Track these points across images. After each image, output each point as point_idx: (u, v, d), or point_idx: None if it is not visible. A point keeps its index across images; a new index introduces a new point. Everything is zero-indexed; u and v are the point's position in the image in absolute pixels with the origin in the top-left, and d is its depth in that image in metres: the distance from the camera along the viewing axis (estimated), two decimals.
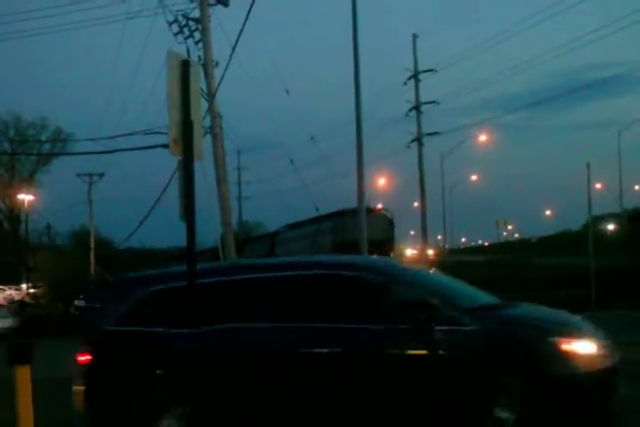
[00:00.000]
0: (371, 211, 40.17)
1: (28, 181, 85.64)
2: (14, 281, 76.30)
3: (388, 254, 37.07)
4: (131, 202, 73.12)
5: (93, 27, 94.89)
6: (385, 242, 39.21)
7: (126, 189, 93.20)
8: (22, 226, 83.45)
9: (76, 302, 48.43)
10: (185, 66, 9.04)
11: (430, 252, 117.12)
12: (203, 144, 10.38)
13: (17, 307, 50.85)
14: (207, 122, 34.67)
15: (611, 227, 77.64)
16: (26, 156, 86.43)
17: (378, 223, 40.12)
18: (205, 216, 37.68)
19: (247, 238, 40.29)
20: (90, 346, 10.71)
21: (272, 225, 76.55)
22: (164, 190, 36.43)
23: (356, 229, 37.00)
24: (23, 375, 6.39)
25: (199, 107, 9.56)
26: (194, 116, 9.14)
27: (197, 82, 9.49)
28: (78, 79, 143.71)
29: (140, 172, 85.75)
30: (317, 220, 46.24)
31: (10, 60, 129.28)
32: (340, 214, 43.54)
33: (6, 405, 6.65)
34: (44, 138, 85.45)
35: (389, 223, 41.56)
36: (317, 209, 43.77)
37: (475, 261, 77.23)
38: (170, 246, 71.81)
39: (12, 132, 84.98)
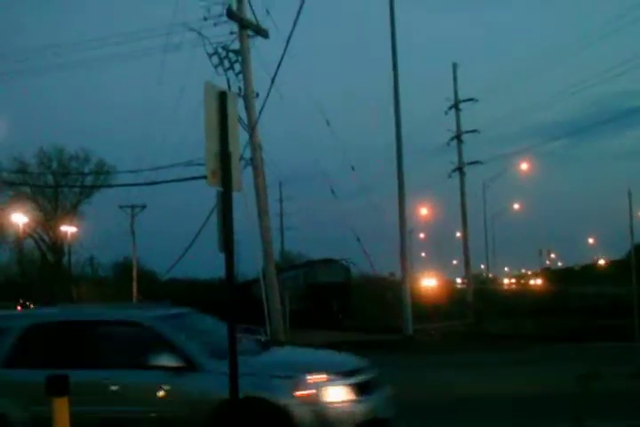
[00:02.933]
0: (332, 261, 57.43)
1: (71, 212, 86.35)
2: None
3: (346, 293, 54.78)
4: (173, 233, 73.17)
5: (134, 59, 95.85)
6: (342, 284, 55.38)
7: (169, 220, 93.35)
8: (65, 257, 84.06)
9: None
10: (222, 97, 9.07)
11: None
12: (241, 175, 10.38)
13: None
14: (248, 153, 34.78)
15: None
16: (69, 188, 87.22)
17: (337, 270, 56.34)
18: (247, 248, 37.79)
19: (253, 280, 47.20)
20: None
21: (314, 255, 76.77)
22: (206, 221, 36.58)
23: (321, 275, 54.46)
24: (61, 407, 6.39)
25: (237, 138, 9.57)
26: (232, 148, 9.15)
27: (235, 113, 9.52)
28: (119, 111, 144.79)
29: (182, 203, 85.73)
30: (295, 267, 60.28)
31: (52, 92, 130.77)
32: (310, 264, 60.26)
33: None
34: (86, 170, 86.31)
35: (346, 270, 57.26)
36: (359, 239, 45.07)
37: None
38: (213, 277, 71.70)
39: (55, 165, 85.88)
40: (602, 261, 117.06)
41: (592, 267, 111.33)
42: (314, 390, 10.35)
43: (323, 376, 10.56)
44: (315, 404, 10.31)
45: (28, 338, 11.39)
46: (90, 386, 10.45)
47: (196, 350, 10.87)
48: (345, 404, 10.46)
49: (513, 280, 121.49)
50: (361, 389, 10.65)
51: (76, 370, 9.98)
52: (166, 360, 10.77)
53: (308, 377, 10.49)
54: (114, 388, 10.65)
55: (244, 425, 9.91)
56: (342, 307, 53.47)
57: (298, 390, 10.33)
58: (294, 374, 10.55)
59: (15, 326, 11.60)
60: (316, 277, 55.02)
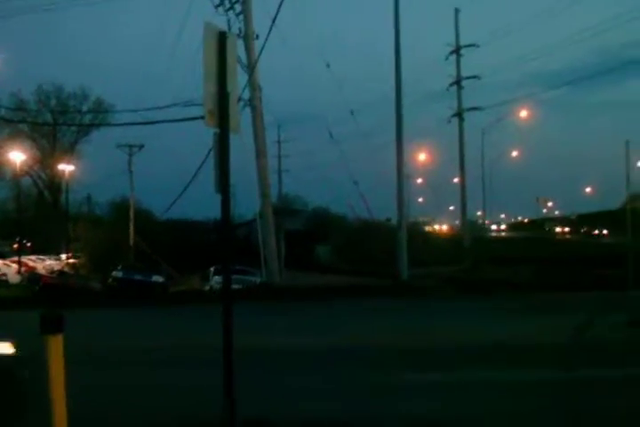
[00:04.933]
0: (297, 211, 70.47)
1: (69, 151, 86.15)
2: (54, 251, 76.81)
3: (308, 239, 65.99)
4: (171, 174, 73.30)
5: None
6: (305, 231, 66.40)
7: (166, 160, 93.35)
8: (62, 196, 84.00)
9: (114, 273, 48.69)
10: (221, 38, 9.00)
11: (503, 226, 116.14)
12: (239, 116, 10.32)
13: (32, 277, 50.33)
14: (247, 94, 34.66)
15: None
16: (67, 126, 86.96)
17: (298, 219, 67.02)
18: (243, 189, 37.87)
19: (239, 224, 58.14)
20: None
21: (311, 198, 77.26)
22: (203, 163, 36.64)
23: (287, 223, 60.76)
24: (55, 345, 6.39)
25: (236, 79, 9.50)
26: (230, 88, 9.09)
27: (234, 54, 9.44)
28: (119, 50, 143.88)
29: (181, 143, 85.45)
30: None
31: (51, 31, 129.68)
32: (277, 213, 62.89)
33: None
34: (85, 108, 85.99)
35: (309, 219, 69.64)
36: (356, 182, 45.64)
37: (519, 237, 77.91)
38: (209, 218, 71.81)
39: (53, 103, 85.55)
40: None
41: (589, 216, 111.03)
42: None
43: None
44: None
45: None
46: None
47: None
48: None
49: (565, 229, 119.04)
50: None
51: None
52: None
53: None
54: None
55: None
56: (306, 251, 64.92)
57: None
58: None
59: None
60: (282, 225, 59.14)
